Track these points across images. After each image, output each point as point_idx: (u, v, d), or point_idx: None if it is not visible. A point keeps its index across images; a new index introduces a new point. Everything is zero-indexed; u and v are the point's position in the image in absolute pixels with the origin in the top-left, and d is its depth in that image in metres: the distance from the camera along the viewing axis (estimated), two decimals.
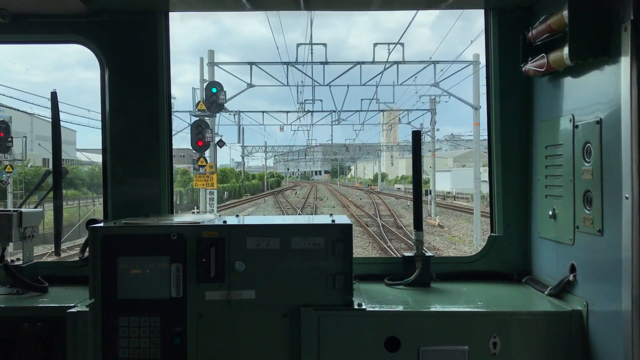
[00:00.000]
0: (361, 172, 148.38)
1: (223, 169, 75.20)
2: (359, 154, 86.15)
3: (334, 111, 39.96)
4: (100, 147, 3.57)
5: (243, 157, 69.52)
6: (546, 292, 3.03)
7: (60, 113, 3.45)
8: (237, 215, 3.37)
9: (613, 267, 2.44)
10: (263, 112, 41.83)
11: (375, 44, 24.31)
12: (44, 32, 3.49)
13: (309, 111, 41.45)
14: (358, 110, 40.57)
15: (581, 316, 2.73)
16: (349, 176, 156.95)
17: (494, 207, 3.56)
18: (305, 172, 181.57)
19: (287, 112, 43.44)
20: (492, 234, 3.56)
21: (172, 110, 3.80)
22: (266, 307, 2.83)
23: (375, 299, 3.02)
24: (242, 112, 40.21)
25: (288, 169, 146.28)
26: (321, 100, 48.77)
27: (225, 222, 2.90)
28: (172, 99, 4.11)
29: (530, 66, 3.09)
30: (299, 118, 45.38)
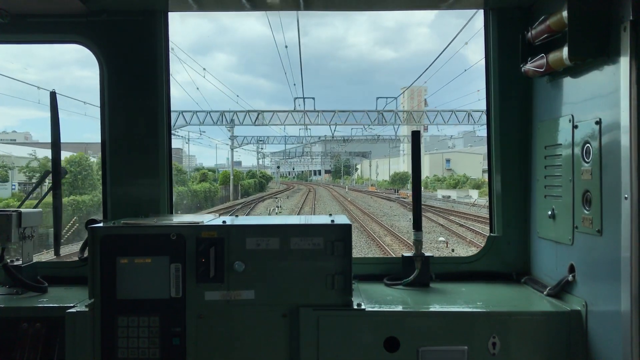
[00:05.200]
0: (373, 171, 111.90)
1: None
2: (378, 143, 66.28)
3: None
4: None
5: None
6: (545, 292, 3.03)
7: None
8: (237, 216, 3.38)
9: (612, 267, 2.45)
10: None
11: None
12: (44, 32, 3.49)
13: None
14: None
15: (580, 316, 2.73)
16: (355, 176, 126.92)
17: (493, 207, 3.56)
18: (302, 171, 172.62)
19: None
20: (491, 234, 3.57)
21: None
22: (265, 307, 2.83)
23: (374, 299, 3.02)
24: None
25: (278, 167, 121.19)
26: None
27: (224, 222, 2.90)
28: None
29: (529, 66, 3.09)
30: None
